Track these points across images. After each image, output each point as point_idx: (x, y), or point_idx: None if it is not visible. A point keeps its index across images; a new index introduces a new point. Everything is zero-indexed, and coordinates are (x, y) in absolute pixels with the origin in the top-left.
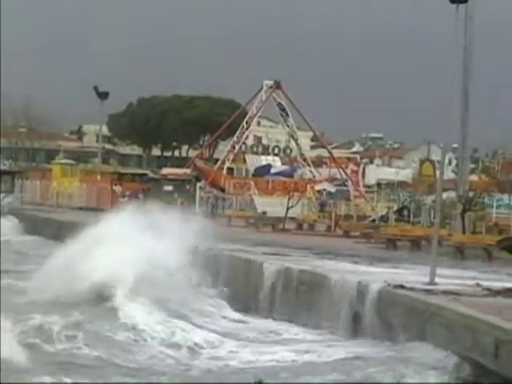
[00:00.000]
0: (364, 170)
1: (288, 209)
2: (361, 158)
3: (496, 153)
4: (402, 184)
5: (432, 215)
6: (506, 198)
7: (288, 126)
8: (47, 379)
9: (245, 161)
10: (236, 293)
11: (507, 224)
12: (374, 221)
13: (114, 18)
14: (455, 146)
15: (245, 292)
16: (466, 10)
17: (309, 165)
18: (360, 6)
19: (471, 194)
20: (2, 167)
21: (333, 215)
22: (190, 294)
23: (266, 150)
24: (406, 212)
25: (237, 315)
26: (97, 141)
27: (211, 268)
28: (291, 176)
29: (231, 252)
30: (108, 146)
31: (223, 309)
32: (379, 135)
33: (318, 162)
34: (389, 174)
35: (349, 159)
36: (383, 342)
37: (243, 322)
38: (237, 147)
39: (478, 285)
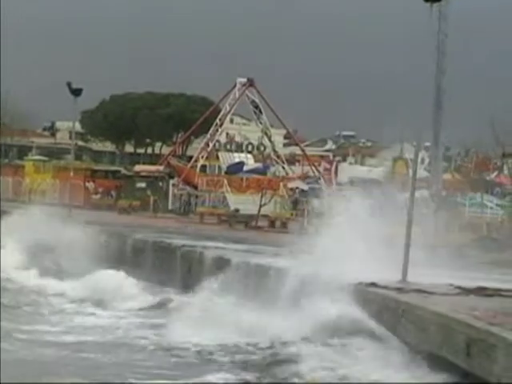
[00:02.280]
0: (337, 167)
1: (261, 206)
2: (334, 156)
3: (468, 151)
4: (374, 182)
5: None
6: (478, 196)
7: (261, 123)
8: None
9: (218, 158)
10: None
11: (479, 223)
12: None
13: (87, 15)
14: (428, 144)
15: None
16: (440, 9)
17: (282, 162)
18: (333, 2)
19: (444, 192)
20: None
21: (306, 213)
22: None
23: (239, 148)
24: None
25: None
26: (70, 137)
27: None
28: (264, 173)
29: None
30: (81, 143)
31: None
32: (352, 133)
33: (291, 160)
34: (362, 172)
35: (322, 157)
36: None
37: None
38: (210, 145)
39: (450, 283)
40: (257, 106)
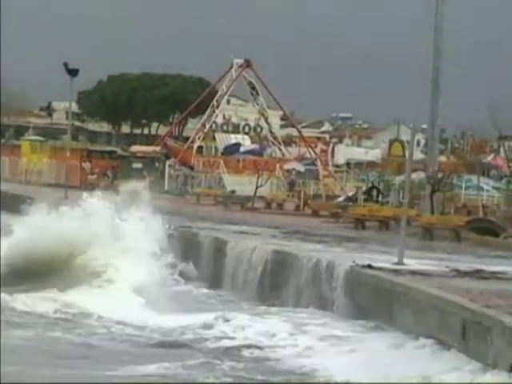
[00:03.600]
0: (333, 149)
1: (257, 188)
2: (330, 138)
3: (464, 134)
4: (371, 164)
5: (401, 195)
6: (474, 179)
7: (258, 104)
8: None
9: (214, 139)
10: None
11: (475, 205)
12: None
13: None
14: (424, 126)
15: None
16: None
17: (279, 143)
18: None
19: (440, 174)
20: None
21: (302, 194)
22: None
23: (235, 129)
24: (374, 192)
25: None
26: (66, 118)
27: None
28: (261, 155)
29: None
30: (77, 123)
31: None
32: (349, 115)
33: (288, 141)
34: (358, 153)
35: (318, 139)
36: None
37: None
38: (207, 125)
39: (446, 266)
40: (254, 88)
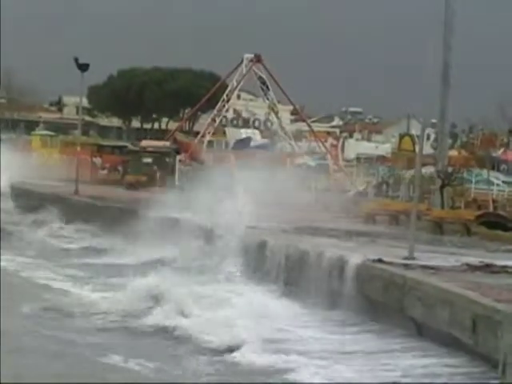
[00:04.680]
0: (343, 144)
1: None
2: (340, 133)
3: (474, 128)
4: (381, 159)
5: (411, 190)
6: (484, 173)
7: (268, 99)
8: None
9: (225, 134)
10: None
11: (486, 199)
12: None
13: None
14: (434, 120)
15: None
16: None
17: (289, 138)
18: None
19: (450, 169)
20: None
21: (312, 189)
22: None
23: (246, 124)
24: (384, 187)
25: None
26: (77, 112)
27: None
28: (271, 149)
29: None
30: (88, 118)
31: None
32: (359, 110)
33: (298, 136)
34: (368, 148)
35: (328, 133)
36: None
37: None
38: (217, 120)
39: (456, 260)
40: (264, 82)
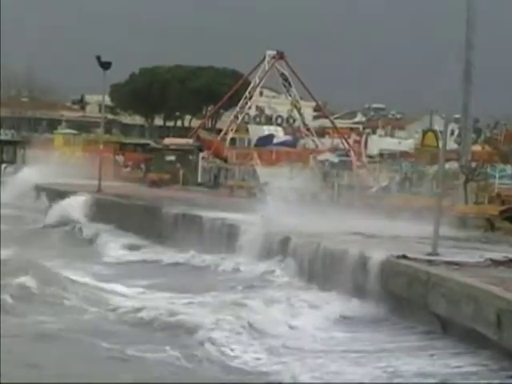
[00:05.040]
0: (366, 140)
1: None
2: (363, 129)
3: (497, 123)
4: (404, 154)
5: (434, 186)
6: (508, 168)
7: (291, 96)
8: None
9: (247, 131)
10: None
11: (509, 194)
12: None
13: None
14: (457, 116)
15: None
16: None
17: (312, 135)
18: None
19: (474, 164)
20: (4, 137)
21: (335, 185)
22: None
23: (268, 121)
24: (407, 184)
25: None
26: (99, 111)
27: None
28: (294, 146)
29: None
30: (110, 116)
31: None
32: (382, 106)
33: (321, 132)
34: (391, 144)
35: (351, 129)
36: None
37: None
38: (240, 117)
39: (480, 255)
40: (286, 79)
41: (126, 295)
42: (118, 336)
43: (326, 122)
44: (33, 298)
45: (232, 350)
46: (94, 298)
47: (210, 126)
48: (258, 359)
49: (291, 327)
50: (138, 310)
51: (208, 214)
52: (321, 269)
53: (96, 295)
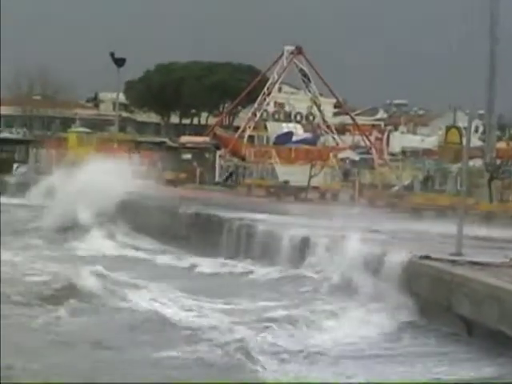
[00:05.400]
0: (388, 137)
1: (311, 178)
2: (385, 125)
3: None
4: (427, 152)
5: (458, 184)
6: None
7: (310, 92)
8: None
9: (266, 128)
10: None
11: None
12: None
13: None
14: (482, 112)
15: None
16: None
17: (332, 132)
18: None
19: (498, 161)
20: (16, 136)
21: (356, 184)
22: None
23: (287, 117)
24: (430, 183)
25: None
26: (113, 108)
27: None
28: (314, 144)
29: None
30: (125, 114)
31: None
32: (404, 102)
33: (341, 130)
34: (414, 141)
35: (373, 126)
36: None
37: None
38: (258, 114)
39: (505, 255)
40: (305, 75)
41: None
42: None
43: (346, 119)
44: None
45: None
46: None
47: (227, 123)
48: None
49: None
50: None
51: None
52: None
53: None
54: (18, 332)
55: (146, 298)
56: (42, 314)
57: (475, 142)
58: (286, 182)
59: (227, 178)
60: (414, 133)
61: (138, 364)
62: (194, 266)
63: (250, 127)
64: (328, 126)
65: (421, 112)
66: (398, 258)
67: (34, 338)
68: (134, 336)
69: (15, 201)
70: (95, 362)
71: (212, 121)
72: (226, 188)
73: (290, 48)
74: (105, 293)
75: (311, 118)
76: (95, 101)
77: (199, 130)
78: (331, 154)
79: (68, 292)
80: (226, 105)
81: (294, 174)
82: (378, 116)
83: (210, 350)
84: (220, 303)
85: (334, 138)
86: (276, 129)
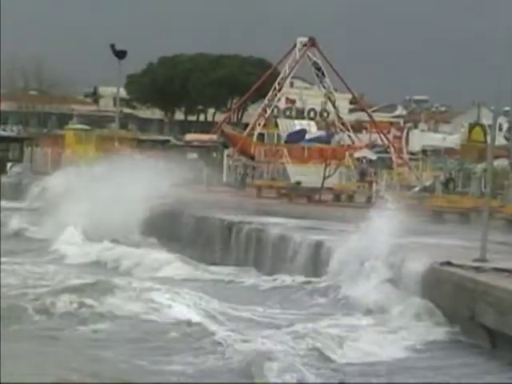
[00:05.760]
0: (408, 135)
1: (325, 178)
2: (404, 123)
3: None
4: (449, 151)
5: (482, 185)
6: None
7: (324, 87)
8: None
9: (277, 126)
10: None
11: None
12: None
13: None
14: (507, 108)
15: None
16: None
17: (347, 130)
18: None
19: None
20: (10, 134)
21: (374, 185)
22: None
23: (300, 114)
24: (451, 185)
25: None
26: (114, 104)
27: None
28: (328, 142)
29: None
30: (126, 110)
31: None
32: (424, 97)
33: (358, 127)
34: (435, 139)
35: (391, 124)
36: None
37: None
38: (268, 111)
39: None
40: (319, 68)
41: None
42: None
43: (363, 116)
44: None
45: None
46: None
47: (235, 120)
48: None
49: None
50: None
51: None
52: None
53: None
54: None
55: None
56: None
57: (500, 140)
58: (299, 183)
59: (243, 177)
60: (435, 131)
61: None
62: None
63: (259, 124)
64: (343, 124)
65: (442, 108)
66: (417, 264)
67: None
68: None
69: (10, 204)
70: None
71: (219, 117)
72: (234, 189)
73: (302, 39)
74: None
75: (325, 114)
76: (94, 96)
77: (206, 127)
78: (347, 153)
79: None
80: (235, 100)
81: (306, 174)
82: (397, 113)
83: None
84: None
85: (349, 136)
86: (287, 126)
